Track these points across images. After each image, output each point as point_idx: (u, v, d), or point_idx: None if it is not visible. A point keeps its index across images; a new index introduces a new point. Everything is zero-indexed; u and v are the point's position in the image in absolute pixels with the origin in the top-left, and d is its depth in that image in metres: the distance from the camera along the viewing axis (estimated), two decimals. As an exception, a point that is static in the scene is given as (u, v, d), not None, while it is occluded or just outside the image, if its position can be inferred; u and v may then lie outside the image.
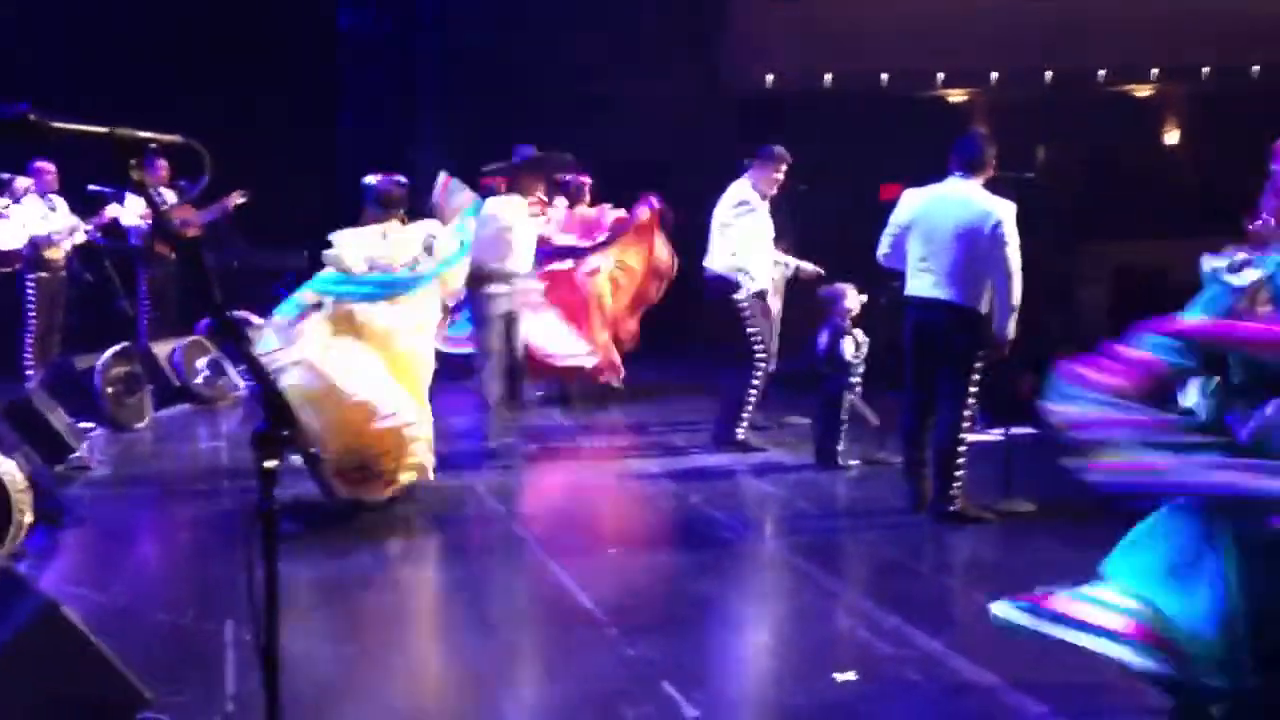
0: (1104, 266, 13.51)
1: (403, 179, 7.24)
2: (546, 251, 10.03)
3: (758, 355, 8.36)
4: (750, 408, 8.42)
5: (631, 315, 10.45)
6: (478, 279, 7.80)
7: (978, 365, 6.59)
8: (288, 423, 2.13)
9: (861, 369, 8.00)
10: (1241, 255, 3.86)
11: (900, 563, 6.08)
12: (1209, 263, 3.94)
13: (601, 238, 10.16)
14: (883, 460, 7.96)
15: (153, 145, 2.22)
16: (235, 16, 13.63)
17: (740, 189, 8.48)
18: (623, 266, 10.29)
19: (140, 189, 2.23)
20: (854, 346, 7.94)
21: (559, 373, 10.05)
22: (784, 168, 8.49)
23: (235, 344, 2.28)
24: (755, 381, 8.37)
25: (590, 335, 10.02)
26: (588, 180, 10.55)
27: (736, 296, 8.40)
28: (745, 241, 8.38)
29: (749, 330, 8.40)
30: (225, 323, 2.37)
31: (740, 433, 8.43)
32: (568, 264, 10.13)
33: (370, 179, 7.13)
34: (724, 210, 8.51)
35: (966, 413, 6.64)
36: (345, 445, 6.52)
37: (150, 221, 10.63)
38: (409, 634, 5.23)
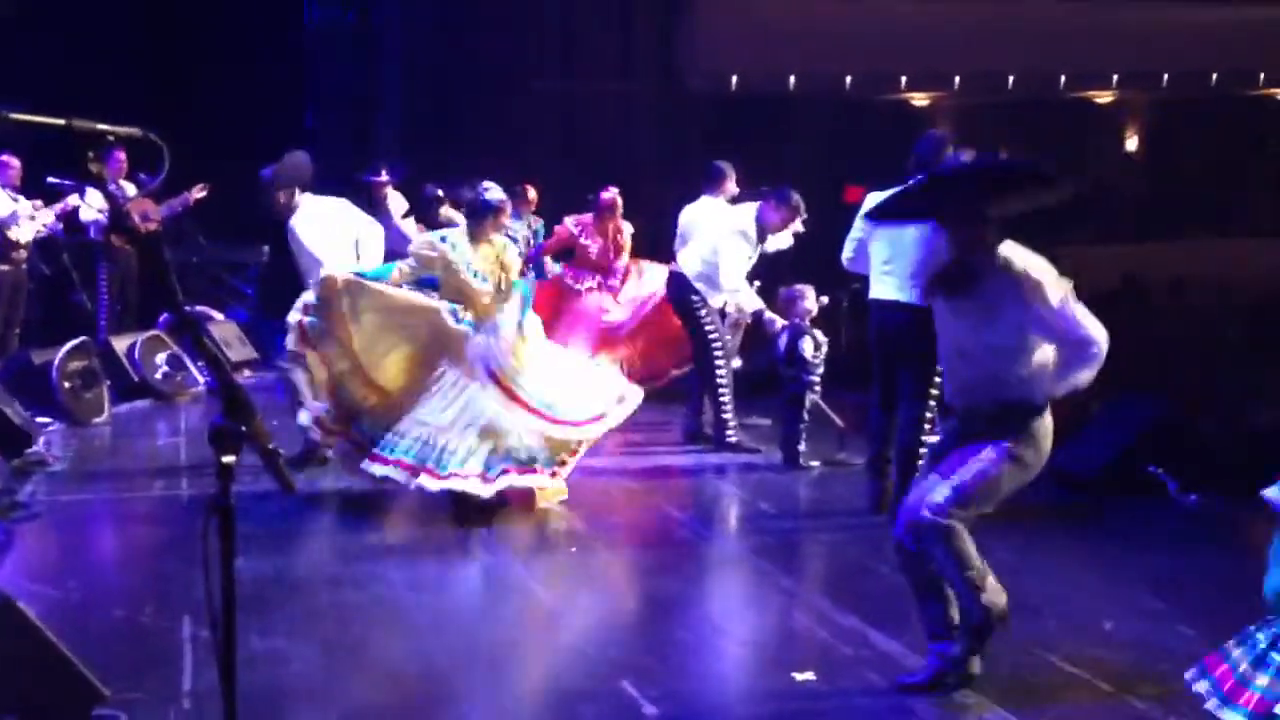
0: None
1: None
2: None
3: (715, 352, 8.36)
4: (729, 406, 8.41)
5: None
6: None
7: (939, 367, 6.61)
8: (245, 417, 2.12)
9: (821, 369, 8.03)
10: None
11: (860, 563, 6.10)
12: None
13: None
14: (843, 461, 7.99)
15: (111, 137, 2.21)
16: (199, 10, 13.56)
17: (745, 218, 8.35)
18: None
19: (98, 181, 2.22)
20: (813, 346, 7.96)
21: None
22: (798, 220, 8.44)
23: (193, 339, 2.27)
24: (720, 379, 8.36)
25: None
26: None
27: (693, 298, 8.42)
28: (728, 265, 8.33)
29: (705, 327, 8.40)
30: (183, 317, 2.35)
31: (731, 435, 8.43)
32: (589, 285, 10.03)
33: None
34: (720, 225, 8.41)
35: (928, 414, 6.68)
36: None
37: (107, 215, 10.56)
38: (367, 632, 5.21)
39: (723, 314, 8.58)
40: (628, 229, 10.08)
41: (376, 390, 6.78)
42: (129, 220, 2.53)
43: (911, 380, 6.65)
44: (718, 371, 8.37)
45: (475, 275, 6.81)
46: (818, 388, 8.02)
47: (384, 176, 11.30)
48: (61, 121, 2.18)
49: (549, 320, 9.62)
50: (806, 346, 7.93)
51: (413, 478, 6.46)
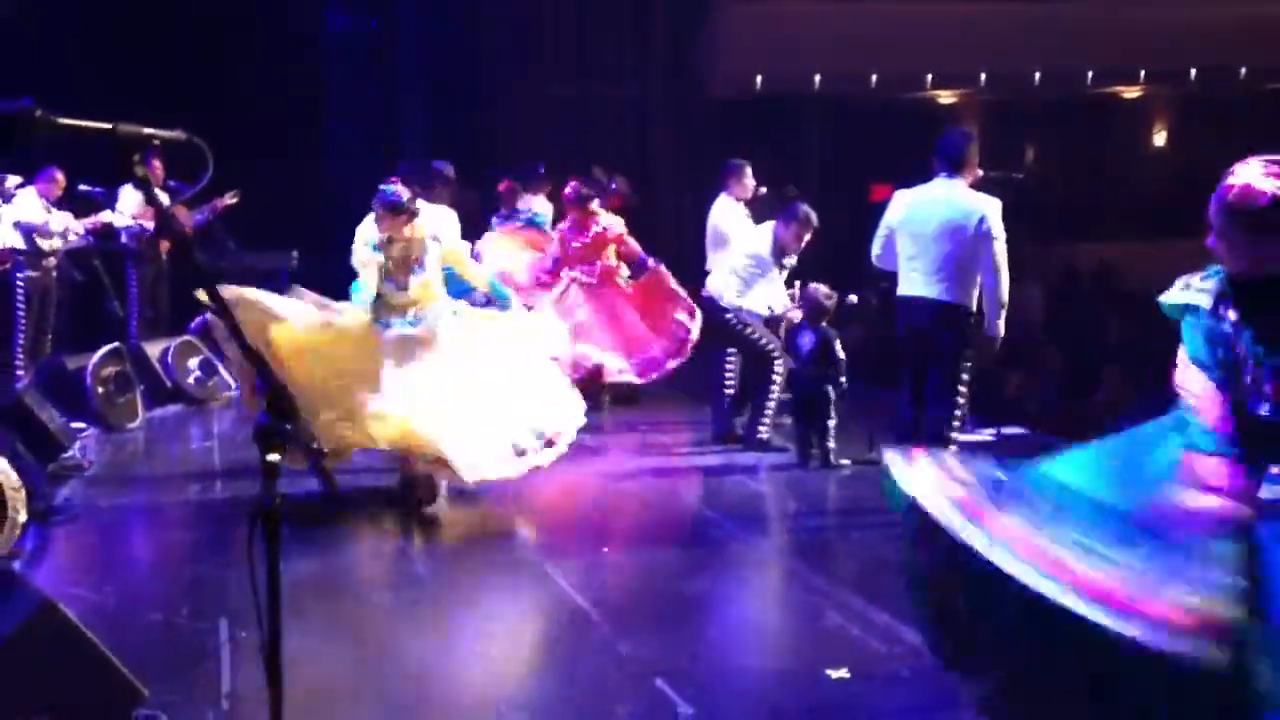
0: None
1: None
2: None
3: (775, 358, 8.36)
4: (771, 408, 8.43)
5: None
6: None
7: (967, 363, 6.60)
8: (289, 416, 2.13)
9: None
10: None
11: (891, 560, 6.04)
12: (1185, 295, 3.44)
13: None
14: (872, 460, 7.98)
15: (155, 141, 2.22)
16: (222, 17, 13.63)
17: (761, 242, 8.41)
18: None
19: (143, 185, 2.23)
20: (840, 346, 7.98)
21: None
22: (809, 233, 8.44)
23: (237, 338, 2.28)
24: (777, 381, 8.37)
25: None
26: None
27: (727, 317, 8.43)
28: (756, 294, 8.38)
29: (753, 337, 8.41)
30: (228, 315, 2.37)
31: (763, 432, 8.44)
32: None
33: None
34: (738, 250, 8.52)
35: (957, 411, 6.66)
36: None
37: (148, 219, 10.68)
38: (403, 633, 5.23)
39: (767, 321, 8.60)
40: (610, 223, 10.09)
41: None
42: (175, 223, 2.50)
43: (940, 377, 6.65)
44: (774, 375, 8.35)
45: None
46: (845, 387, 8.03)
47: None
48: (107, 126, 2.19)
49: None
50: (838, 346, 7.93)
51: None
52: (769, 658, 5.09)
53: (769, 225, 8.47)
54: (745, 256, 8.39)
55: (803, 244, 8.43)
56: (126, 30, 13.11)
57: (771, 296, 8.40)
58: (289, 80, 14.06)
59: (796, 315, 8.33)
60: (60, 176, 10.28)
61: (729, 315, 8.43)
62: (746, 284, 8.36)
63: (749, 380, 8.65)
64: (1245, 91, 15.56)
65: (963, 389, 6.67)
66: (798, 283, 8.78)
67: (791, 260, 8.52)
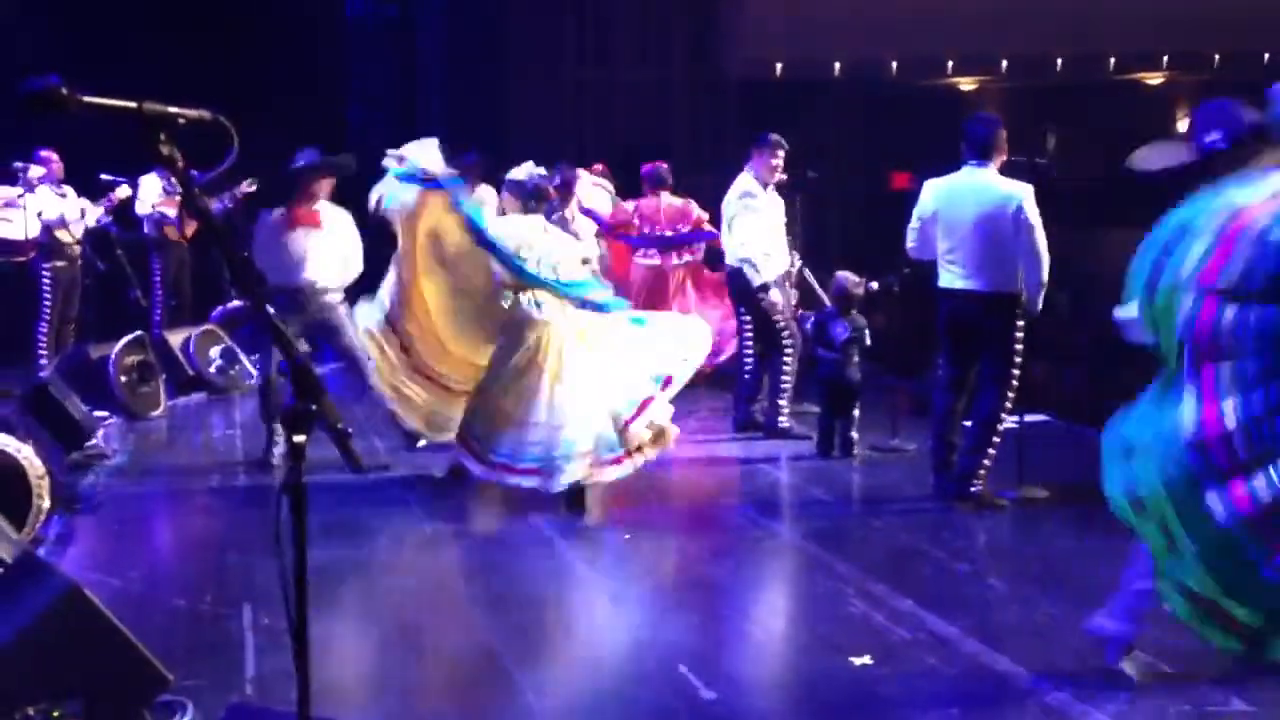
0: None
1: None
2: (633, 239, 10.18)
3: (785, 341, 8.36)
4: (788, 394, 8.43)
5: None
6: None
7: (1018, 346, 6.55)
8: (315, 397, 2.13)
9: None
10: None
11: (914, 548, 6.08)
12: None
13: (685, 229, 10.26)
14: (897, 448, 7.97)
15: (181, 120, 2.21)
16: (243, 2, 13.64)
17: (744, 181, 8.46)
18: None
19: (170, 164, 2.21)
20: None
21: None
22: (781, 154, 8.42)
23: (263, 317, 2.27)
24: (787, 367, 8.36)
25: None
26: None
27: (754, 288, 8.41)
28: (751, 234, 8.37)
29: (774, 318, 8.40)
30: (253, 292, 2.35)
31: (784, 420, 8.43)
32: (654, 259, 10.29)
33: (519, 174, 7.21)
34: (729, 203, 8.53)
35: (1010, 394, 6.62)
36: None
37: (170, 207, 10.72)
38: (424, 617, 5.24)
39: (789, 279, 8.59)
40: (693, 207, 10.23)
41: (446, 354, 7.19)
42: (199, 202, 2.48)
43: (993, 363, 6.61)
44: (785, 359, 8.35)
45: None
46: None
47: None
48: (133, 104, 2.18)
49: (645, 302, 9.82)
50: (865, 335, 7.91)
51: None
52: (791, 644, 5.08)
53: (746, 171, 8.50)
54: (737, 198, 8.41)
55: (778, 164, 8.44)
56: (145, 16, 13.12)
57: (749, 249, 8.37)
58: (310, 65, 14.06)
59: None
60: (54, 155, 10.28)
61: (760, 291, 8.42)
62: (743, 222, 8.36)
63: (763, 365, 8.63)
64: (1268, 77, 15.42)
65: (1016, 370, 6.62)
66: (801, 261, 8.73)
67: (779, 184, 8.54)
